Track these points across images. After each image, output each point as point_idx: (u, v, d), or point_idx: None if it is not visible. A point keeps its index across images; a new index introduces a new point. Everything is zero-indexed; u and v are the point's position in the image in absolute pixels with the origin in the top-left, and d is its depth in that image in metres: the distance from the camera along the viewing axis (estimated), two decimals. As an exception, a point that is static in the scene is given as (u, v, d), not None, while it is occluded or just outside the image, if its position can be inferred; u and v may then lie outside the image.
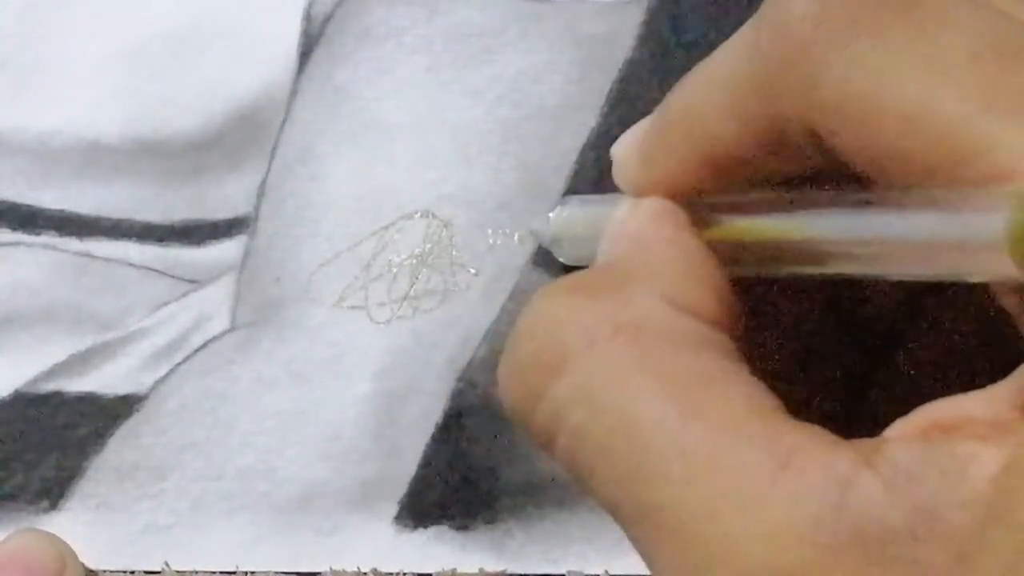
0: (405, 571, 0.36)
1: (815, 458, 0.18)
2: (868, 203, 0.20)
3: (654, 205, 0.24)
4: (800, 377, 0.26)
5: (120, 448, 0.37)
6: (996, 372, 0.19)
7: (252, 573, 0.36)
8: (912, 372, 0.25)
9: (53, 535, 0.36)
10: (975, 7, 0.20)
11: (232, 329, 0.38)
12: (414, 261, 0.38)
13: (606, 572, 0.36)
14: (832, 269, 0.21)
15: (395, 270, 0.38)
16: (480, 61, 0.39)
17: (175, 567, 0.36)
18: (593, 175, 0.38)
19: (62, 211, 0.38)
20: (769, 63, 0.21)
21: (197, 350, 0.38)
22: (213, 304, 0.38)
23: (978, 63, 0.19)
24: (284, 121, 0.39)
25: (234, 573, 0.36)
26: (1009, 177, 0.18)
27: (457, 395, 0.37)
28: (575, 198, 0.29)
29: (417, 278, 0.38)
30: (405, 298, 0.38)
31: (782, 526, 0.18)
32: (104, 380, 0.38)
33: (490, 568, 0.36)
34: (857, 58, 0.20)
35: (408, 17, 0.39)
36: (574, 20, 0.39)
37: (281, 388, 0.37)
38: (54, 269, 0.38)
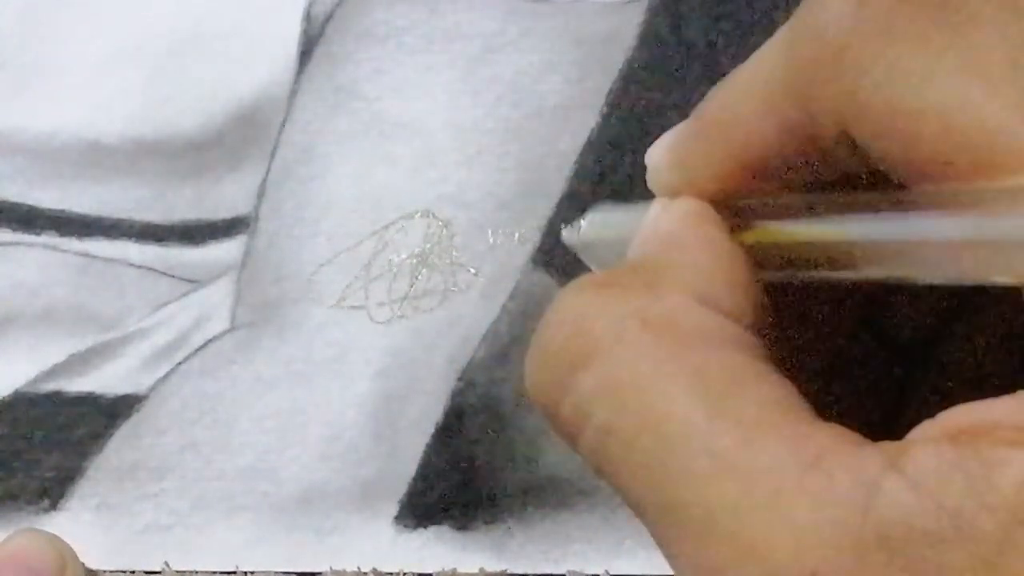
0: (405, 571, 0.36)
1: (842, 459, 0.18)
2: (902, 205, 0.20)
3: (687, 205, 0.24)
4: (833, 385, 0.26)
5: (120, 448, 0.37)
6: None
7: (252, 573, 0.36)
8: (945, 381, 0.25)
9: (53, 535, 0.36)
10: (1014, 13, 0.20)
11: (232, 329, 0.38)
12: (414, 261, 0.38)
13: (606, 572, 0.36)
14: (865, 273, 0.21)
15: (395, 270, 0.38)
16: (480, 61, 0.39)
17: (175, 567, 0.36)
18: (593, 175, 0.38)
19: (62, 211, 0.38)
20: (804, 67, 0.21)
21: (197, 350, 0.38)
22: (213, 304, 0.38)
23: (1018, 70, 0.19)
24: (284, 121, 0.39)
25: (234, 573, 0.36)
26: None
27: (457, 395, 0.37)
28: (607, 204, 0.30)
29: (417, 278, 0.38)
30: (405, 298, 0.38)
31: (808, 527, 0.18)
32: (104, 380, 0.38)
33: (490, 568, 0.36)
34: (895, 62, 0.20)
35: (408, 17, 0.39)
36: (574, 20, 0.39)
37: (281, 388, 0.37)
38: (54, 269, 0.38)
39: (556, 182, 0.38)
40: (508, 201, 0.38)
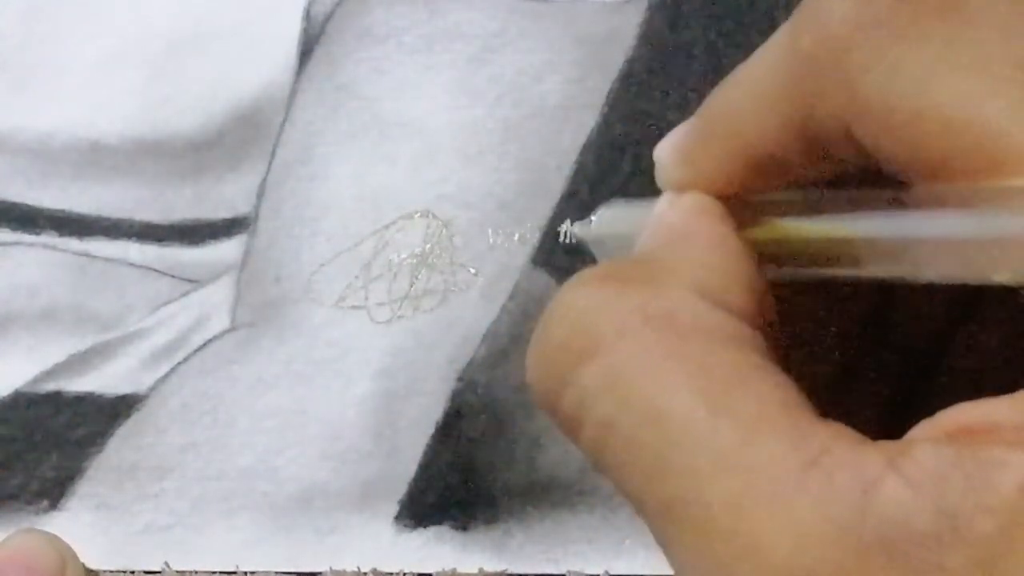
0: (405, 571, 0.36)
1: (842, 458, 0.18)
2: (905, 203, 0.20)
3: (694, 200, 0.24)
4: (840, 386, 0.26)
5: (120, 448, 0.37)
6: None
7: (252, 573, 0.36)
8: (953, 382, 0.25)
9: (53, 535, 0.36)
10: (1018, 11, 0.20)
11: (232, 329, 0.38)
12: (414, 261, 0.38)
13: (606, 572, 0.36)
14: (869, 271, 0.21)
15: (395, 270, 0.38)
16: (480, 61, 0.39)
17: (175, 567, 0.36)
18: (593, 175, 0.38)
19: (62, 211, 0.38)
20: (807, 65, 0.21)
21: (197, 350, 0.38)
22: (213, 304, 0.38)
23: (1021, 69, 0.19)
24: (284, 121, 0.39)
25: (234, 573, 0.36)
26: None
27: (457, 395, 0.37)
28: (619, 200, 0.30)
29: (417, 278, 0.38)
30: (405, 298, 0.38)
31: (807, 526, 0.18)
32: (104, 380, 0.38)
33: (490, 568, 0.36)
34: (896, 61, 0.20)
35: (408, 17, 0.39)
36: (574, 20, 0.39)
37: (281, 388, 0.37)
38: (54, 269, 0.38)
39: (556, 182, 0.38)
40: (508, 201, 0.38)
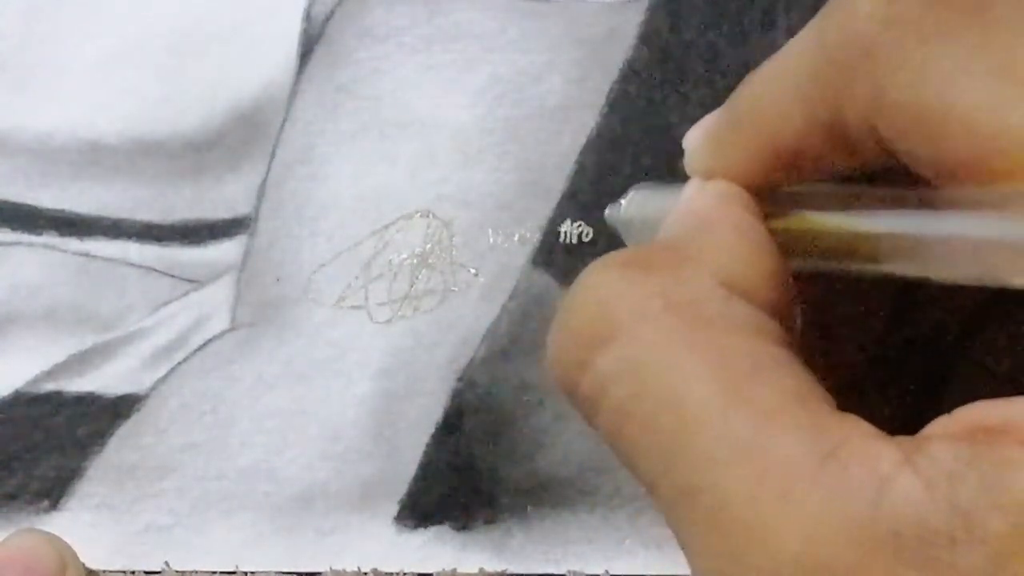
0: (405, 571, 0.36)
1: (858, 453, 0.18)
2: (930, 202, 0.20)
3: (721, 186, 0.24)
4: (863, 381, 0.26)
5: (120, 448, 0.37)
6: None
7: (252, 573, 0.36)
8: (975, 379, 0.25)
9: (53, 535, 0.36)
10: None
11: (232, 329, 0.38)
12: (414, 261, 0.38)
13: (606, 572, 0.36)
14: (888, 268, 0.21)
15: (395, 270, 0.38)
16: (480, 61, 0.39)
17: (175, 567, 0.36)
18: (593, 175, 0.38)
19: (62, 211, 0.38)
20: (834, 63, 0.21)
21: (197, 350, 0.38)
22: (213, 304, 0.38)
23: None
24: (284, 121, 0.39)
25: (234, 573, 0.36)
26: None
27: (457, 395, 0.37)
28: (647, 184, 0.29)
29: (417, 278, 0.38)
30: (405, 298, 0.38)
31: (820, 520, 0.18)
32: (104, 380, 0.38)
33: (490, 568, 0.36)
34: (924, 62, 0.20)
35: (408, 17, 0.39)
36: (574, 20, 0.39)
37: (281, 388, 0.37)
38: (54, 269, 0.38)
39: (556, 182, 0.38)
40: (508, 201, 0.38)
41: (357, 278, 0.38)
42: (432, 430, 0.37)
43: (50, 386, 0.37)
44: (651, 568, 0.35)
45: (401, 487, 0.37)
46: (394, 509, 0.37)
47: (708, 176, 0.25)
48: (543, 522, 0.36)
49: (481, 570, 0.36)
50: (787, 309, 0.22)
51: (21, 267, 0.38)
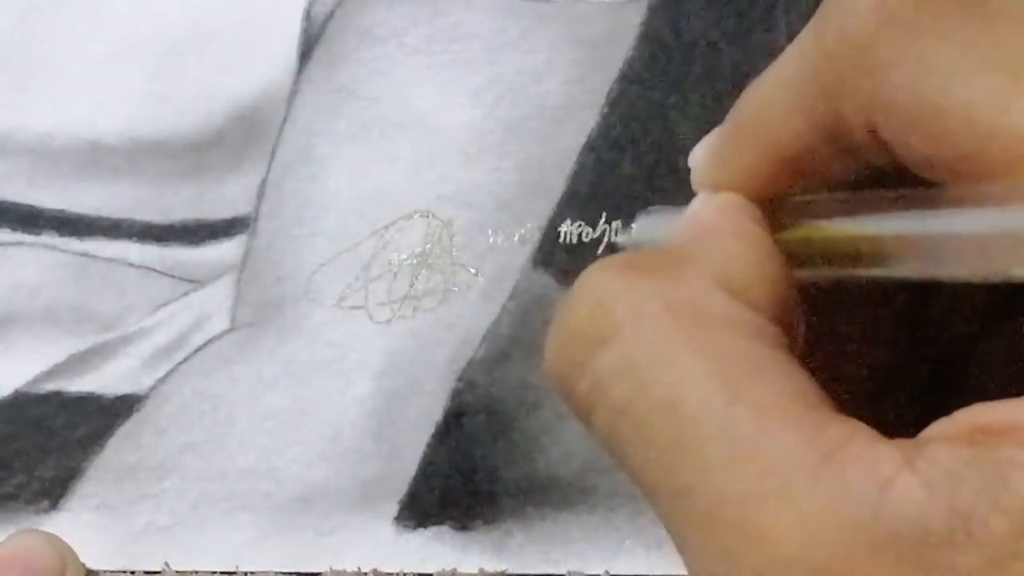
0: (405, 571, 0.36)
1: (857, 454, 0.18)
2: (932, 201, 0.20)
3: (726, 198, 0.24)
4: (873, 387, 0.26)
5: (120, 448, 0.37)
6: None
7: (252, 573, 0.36)
8: (985, 384, 0.25)
9: (53, 535, 0.36)
10: None
11: (232, 329, 0.38)
12: (414, 261, 0.38)
13: (606, 572, 0.36)
14: (897, 271, 0.21)
15: (395, 270, 0.38)
16: (480, 61, 0.39)
17: (175, 567, 0.36)
18: (593, 175, 0.38)
19: (62, 211, 0.38)
20: (831, 63, 0.21)
21: (197, 350, 0.38)
22: (213, 304, 0.38)
23: None
24: (284, 121, 0.39)
25: (234, 573, 0.36)
26: None
27: (457, 395, 0.37)
28: (659, 207, 0.30)
29: (417, 278, 0.38)
30: (405, 298, 0.38)
31: (818, 521, 0.18)
32: (104, 380, 0.38)
33: (490, 568, 0.36)
34: (920, 58, 0.20)
35: (408, 17, 0.39)
36: (574, 20, 0.39)
37: (281, 388, 0.37)
38: (54, 269, 0.38)
39: (556, 182, 0.38)
40: (508, 201, 0.38)
41: (357, 278, 0.38)
42: (432, 430, 0.37)
43: (50, 386, 0.37)
44: (651, 568, 0.35)
45: (401, 487, 0.37)
46: (394, 509, 0.37)
47: (714, 190, 0.25)
48: (543, 522, 0.36)
49: (481, 570, 0.36)
50: (789, 315, 0.22)
51: (21, 267, 0.38)
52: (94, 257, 0.38)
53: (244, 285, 0.38)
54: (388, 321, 0.38)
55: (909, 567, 0.17)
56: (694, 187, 0.26)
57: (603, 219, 0.38)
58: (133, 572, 0.36)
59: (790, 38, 0.23)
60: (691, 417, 0.19)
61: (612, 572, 0.36)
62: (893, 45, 0.20)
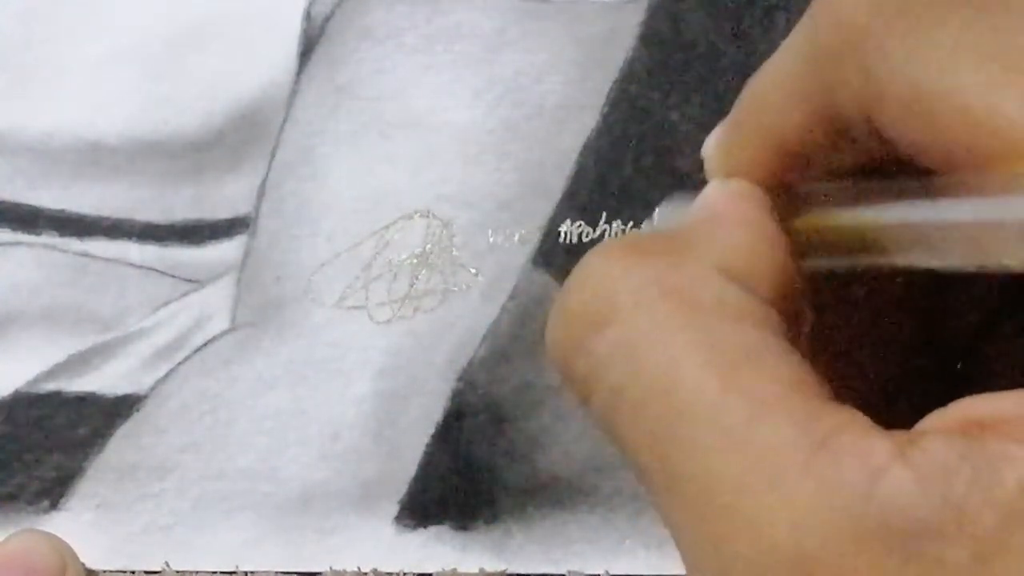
0: (405, 571, 0.36)
1: (851, 443, 0.18)
2: (931, 190, 0.20)
3: (737, 185, 0.24)
4: (882, 380, 0.26)
5: (120, 448, 0.37)
6: None
7: (252, 573, 0.36)
8: (994, 378, 0.25)
9: (53, 535, 0.36)
10: None
11: (232, 329, 0.38)
12: (414, 261, 0.38)
13: (606, 572, 0.36)
14: (903, 260, 0.21)
15: (395, 270, 0.38)
16: (480, 61, 0.39)
17: (175, 567, 0.36)
18: (593, 175, 0.38)
19: (62, 211, 0.38)
20: (826, 54, 0.21)
21: (197, 350, 0.38)
22: (213, 304, 0.38)
23: None
24: (284, 121, 0.39)
25: (234, 573, 0.36)
26: None
27: (457, 395, 0.37)
28: (679, 195, 0.30)
29: (417, 278, 0.38)
30: (405, 298, 0.38)
31: (810, 509, 0.18)
32: (104, 380, 0.38)
33: (490, 568, 0.36)
34: (915, 48, 0.20)
35: (408, 17, 0.39)
36: (574, 20, 0.39)
37: (281, 388, 0.37)
38: (54, 269, 0.38)
39: (556, 182, 0.38)
40: (508, 201, 0.38)
41: (357, 278, 0.38)
42: (432, 430, 0.37)
43: (50, 386, 0.37)
44: (651, 568, 0.35)
45: (401, 487, 0.37)
46: (394, 509, 0.37)
47: (726, 177, 0.25)
48: (543, 522, 0.36)
49: (481, 570, 0.36)
50: (793, 303, 0.22)
51: (21, 267, 0.38)
52: (94, 257, 0.38)
53: (244, 285, 0.38)
54: (388, 321, 0.38)
55: (898, 557, 0.17)
56: (707, 176, 0.26)
57: (603, 219, 0.38)
58: (133, 572, 0.36)
59: (790, 38, 0.23)
60: (685, 403, 0.19)
61: (612, 572, 0.36)
62: (886, 35, 0.20)
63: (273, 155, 0.39)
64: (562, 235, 0.38)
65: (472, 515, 0.36)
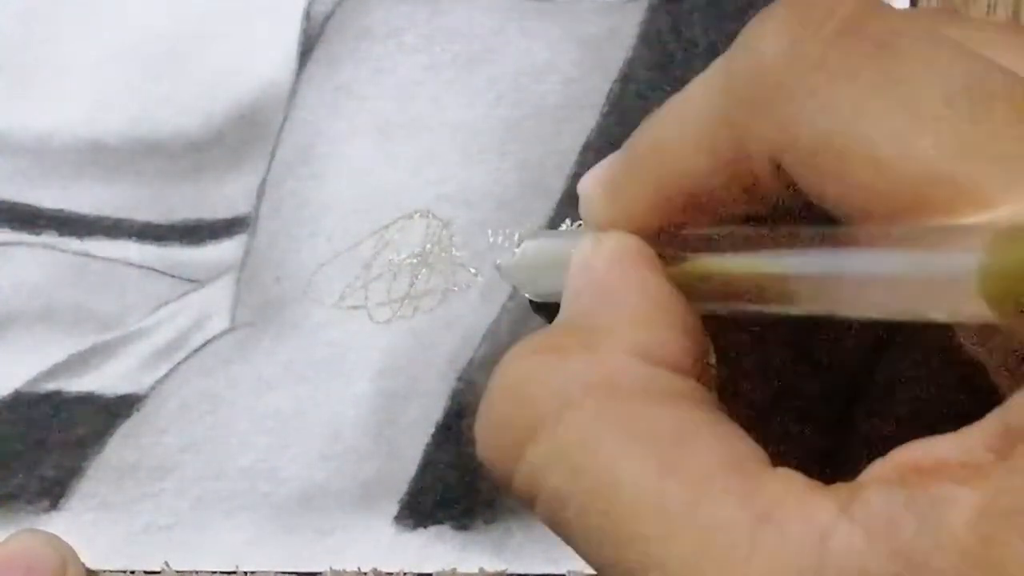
0: (405, 571, 0.36)
1: (794, 509, 0.18)
2: (838, 239, 0.20)
3: (619, 242, 0.24)
4: (776, 415, 0.26)
5: (120, 448, 0.37)
6: (969, 412, 0.19)
7: (252, 573, 0.36)
8: (885, 403, 0.25)
9: (53, 535, 0.36)
10: (951, 49, 0.20)
11: (232, 329, 0.38)
12: (414, 261, 0.38)
13: (606, 572, 0.36)
14: (801, 309, 0.21)
15: (395, 270, 0.38)
16: (480, 61, 0.39)
17: (175, 567, 0.36)
18: (593, 175, 0.38)
19: (62, 211, 0.38)
20: (739, 101, 0.21)
21: (197, 350, 0.38)
22: (213, 304, 0.38)
23: (952, 107, 0.19)
24: (284, 121, 0.39)
25: (234, 573, 0.36)
26: (981, 220, 0.18)
27: (457, 395, 0.37)
28: (540, 232, 0.29)
29: (417, 278, 0.38)
30: (405, 298, 0.38)
31: None
32: (104, 380, 0.38)
33: (490, 568, 0.36)
34: (828, 99, 0.20)
35: (408, 17, 0.39)
36: (574, 20, 0.39)
37: (281, 388, 0.37)
38: (54, 269, 0.38)
39: (556, 182, 0.38)
40: (508, 201, 0.38)
41: (357, 278, 0.38)
42: (432, 430, 0.37)
43: (50, 386, 0.37)
44: (651, 568, 0.35)
45: (401, 487, 0.37)
46: (394, 509, 0.37)
47: (605, 225, 0.24)
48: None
49: (481, 570, 0.36)
50: (704, 365, 0.22)
51: (21, 267, 0.38)
52: (94, 257, 0.38)
53: (244, 285, 0.38)
54: (388, 321, 0.38)
55: None
56: (583, 216, 0.26)
57: (603, 219, 0.37)
58: (133, 572, 0.36)
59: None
60: (627, 497, 0.19)
61: (612, 572, 0.36)
62: (801, 85, 0.20)
63: (273, 155, 0.39)
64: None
65: (472, 515, 0.36)
